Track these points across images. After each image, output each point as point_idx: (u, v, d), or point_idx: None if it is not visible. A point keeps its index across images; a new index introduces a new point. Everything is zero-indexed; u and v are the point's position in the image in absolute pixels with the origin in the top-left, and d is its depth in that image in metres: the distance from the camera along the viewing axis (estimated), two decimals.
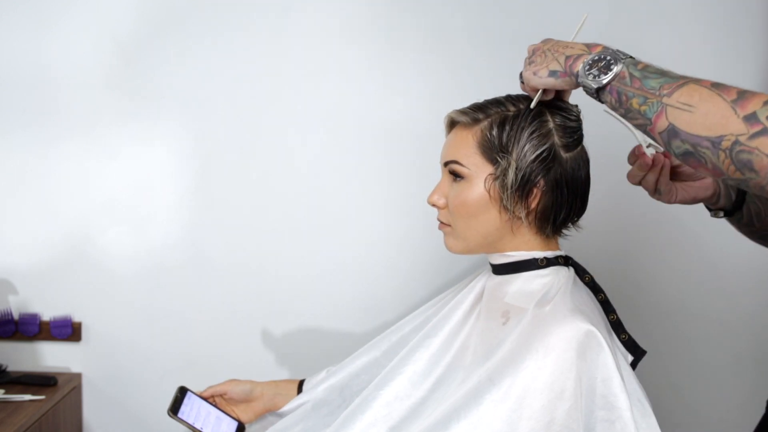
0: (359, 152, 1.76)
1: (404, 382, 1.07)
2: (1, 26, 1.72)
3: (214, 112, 1.75)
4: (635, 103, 0.81)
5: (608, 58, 0.85)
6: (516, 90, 1.09)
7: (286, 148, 1.76)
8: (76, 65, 1.73)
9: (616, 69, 0.84)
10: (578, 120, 1.03)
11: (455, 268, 1.75)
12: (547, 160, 1.00)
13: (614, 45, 1.59)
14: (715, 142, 0.73)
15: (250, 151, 1.76)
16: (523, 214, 1.02)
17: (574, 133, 1.03)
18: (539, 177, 1.00)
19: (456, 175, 1.05)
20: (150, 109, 1.74)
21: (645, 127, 0.82)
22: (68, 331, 1.77)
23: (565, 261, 1.07)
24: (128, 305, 1.79)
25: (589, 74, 0.86)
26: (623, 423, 0.92)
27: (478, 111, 1.04)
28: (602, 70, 0.85)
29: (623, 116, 0.84)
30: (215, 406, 1.24)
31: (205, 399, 1.24)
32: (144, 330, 1.79)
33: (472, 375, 0.98)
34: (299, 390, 1.27)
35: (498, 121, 1.02)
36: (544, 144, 1.00)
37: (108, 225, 1.77)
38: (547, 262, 1.05)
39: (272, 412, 1.28)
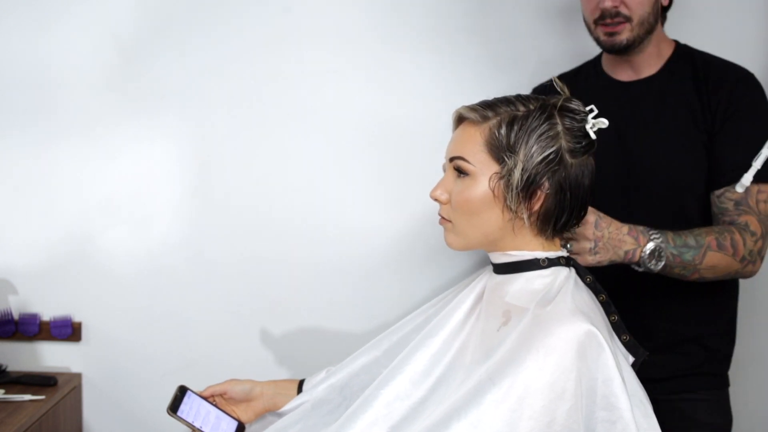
0: (360, 151, 1.76)
1: (405, 382, 1.07)
2: (1, 26, 1.72)
3: (214, 113, 1.75)
4: (677, 270, 1.24)
5: (658, 250, 1.20)
6: (517, 89, 1.09)
7: (287, 148, 1.76)
8: (76, 65, 1.73)
9: (664, 255, 1.21)
10: (585, 120, 1.03)
11: (456, 267, 1.75)
12: (553, 162, 1.00)
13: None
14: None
15: (250, 151, 1.76)
16: (525, 215, 1.02)
17: (582, 138, 1.03)
18: (544, 179, 1.01)
19: (461, 172, 1.05)
20: (150, 109, 1.74)
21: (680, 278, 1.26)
22: (68, 331, 1.77)
23: (567, 262, 1.07)
24: (128, 305, 1.78)
25: (650, 264, 1.20)
26: (624, 423, 0.92)
27: (488, 109, 1.04)
28: (657, 259, 1.20)
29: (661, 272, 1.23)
30: (215, 405, 1.24)
31: (205, 398, 1.24)
32: (144, 330, 1.79)
33: (473, 375, 0.98)
34: (299, 390, 1.27)
35: (507, 121, 1.02)
36: (552, 146, 1.01)
37: (108, 225, 1.77)
38: (549, 263, 1.05)
39: (272, 411, 1.28)
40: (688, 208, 1.36)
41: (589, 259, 1.15)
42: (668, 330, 1.35)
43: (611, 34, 1.33)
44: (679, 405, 1.35)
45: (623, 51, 1.35)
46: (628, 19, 1.32)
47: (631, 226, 1.20)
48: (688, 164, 1.34)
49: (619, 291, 1.25)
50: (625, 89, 1.41)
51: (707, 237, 1.24)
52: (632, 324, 1.13)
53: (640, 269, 1.21)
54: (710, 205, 1.34)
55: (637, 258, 1.19)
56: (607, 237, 1.17)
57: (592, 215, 1.14)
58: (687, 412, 1.35)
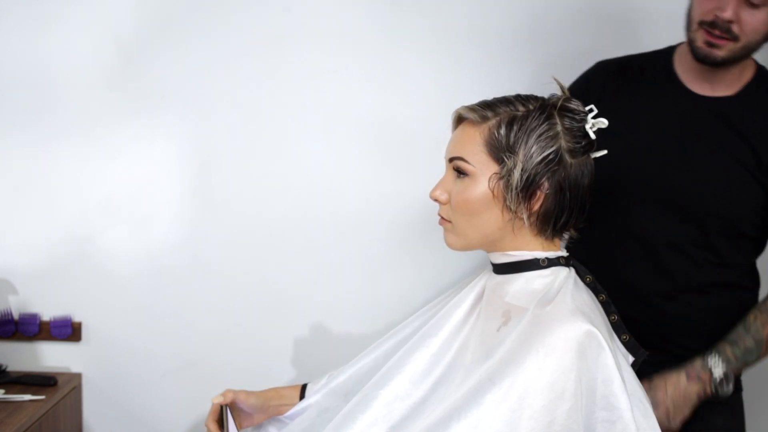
0: (360, 152, 1.76)
1: (404, 382, 1.07)
2: (1, 26, 1.72)
3: (214, 112, 1.75)
4: (743, 369, 1.27)
5: (725, 375, 1.24)
6: (517, 90, 1.09)
7: (287, 149, 1.76)
8: (76, 65, 1.73)
9: (731, 374, 1.24)
10: (584, 120, 1.03)
11: (458, 268, 1.75)
12: (553, 162, 1.00)
13: (612, 44, 1.58)
14: None
15: (250, 152, 1.76)
16: (525, 216, 1.02)
17: (581, 138, 1.03)
18: (544, 179, 1.01)
19: (460, 172, 1.05)
20: (150, 109, 1.74)
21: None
22: (68, 331, 1.77)
23: (566, 261, 1.07)
24: (128, 305, 1.78)
25: (723, 390, 1.24)
26: (624, 423, 0.92)
27: (487, 109, 1.04)
28: (726, 381, 1.24)
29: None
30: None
31: (233, 421, 1.23)
32: (144, 330, 1.79)
33: (473, 374, 0.99)
34: (302, 394, 1.28)
35: (506, 121, 1.02)
36: (552, 146, 1.01)
37: (108, 225, 1.77)
38: (549, 263, 1.05)
39: (274, 417, 1.28)
40: (724, 243, 1.31)
41: (674, 426, 1.23)
42: (685, 346, 1.33)
43: (711, 45, 1.23)
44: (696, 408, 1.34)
45: (713, 66, 1.26)
46: (734, 39, 1.21)
47: (687, 368, 1.25)
48: (738, 202, 1.28)
49: (636, 307, 1.26)
50: (697, 101, 1.32)
51: (764, 329, 1.25)
52: (648, 339, 1.15)
53: (719, 397, 1.25)
54: (754, 245, 1.33)
55: (710, 394, 1.24)
56: (672, 401, 1.22)
57: (657, 408, 1.20)
58: (702, 414, 1.33)
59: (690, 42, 1.27)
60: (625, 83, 1.39)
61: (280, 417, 1.27)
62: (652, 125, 1.33)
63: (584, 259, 1.27)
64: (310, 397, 1.24)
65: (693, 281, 1.32)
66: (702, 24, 1.24)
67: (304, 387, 1.29)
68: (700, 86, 1.31)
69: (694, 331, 1.34)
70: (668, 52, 1.38)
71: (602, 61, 1.46)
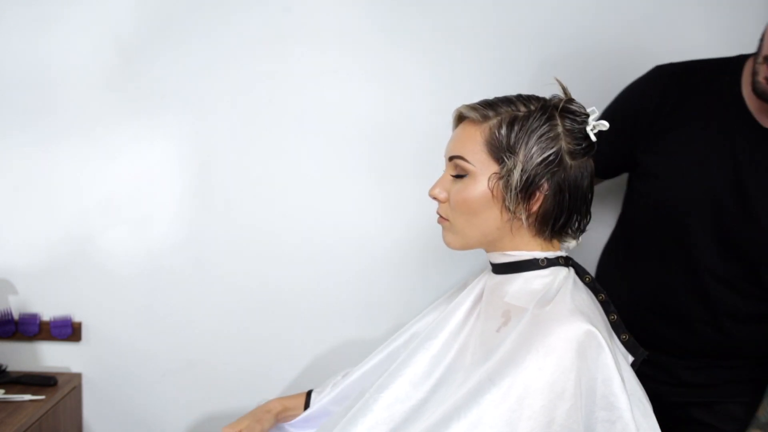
0: (360, 151, 1.76)
1: (405, 384, 1.07)
2: (1, 26, 1.72)
3: (214, 112, 1.75)
4: None
5: None
6: (518, 90, 1.09)
7: (287, 149, 1.76)
8: (76, 65, 1.73)
9: None
10: (585, 122, 1.03)
11: (460, 271, 1.75)
12: (553, 164, 1.00)
13: (614, 45, 1.57)
14: None
15: (250, 152, 1.76)
16: (523, 216, 1.02)
17: (582, 139, 1.03)
18: (543, 180, 1.01)
19: (460, 171, 1.05)
20: (150, 109, 1.74)
21: None
22: (68, 331, 1.77)
23: (566, 262, 1.07)
24: (128, 305, 1.78)
25: None
26: (624, 423, 0.92)
27: (488, 108, 1.04)
28: None
29: None
30: None
31: None
32: (144, 330, 1.79)
33: (473, 375, 0.99)
34: (306, 401, 1.28)
35: (507, 121, 1.02)
36: (552, 147, 1.01)
37: (108, 225, 1.77)
38: (548, 263, 1.05)
39: (278, 425, 1.29)
40: None
41: None
42: (728, 370, 1.36)
43: None
44: (731, 408, 1.35)
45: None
46: None
47: None
48: None
49: (676, 328, 1.27)
50: (760, 135, 1.27)
51: None
52: (680, 354, 1.14)
53: None
54: None
55: None
56: None
57: None
58: (737, 414, 1.35)
59: (753, 73, 1.23)
60: (686, 95, 1.35)
61: (284, 425, 1.27)
62: (712, 152, 1.30)
63: (621, 276, 1.26)
64: (315, 405, 1.25)
65: (738, 312, 1.32)
66: (766, 59, 1.19)
67: (308, 393, 1.29)
68: (765, 117, 1.27)
69: (730, 354, 1.35)
70: (736, 69, 1.31)
71: (661, 67, 1.41)
